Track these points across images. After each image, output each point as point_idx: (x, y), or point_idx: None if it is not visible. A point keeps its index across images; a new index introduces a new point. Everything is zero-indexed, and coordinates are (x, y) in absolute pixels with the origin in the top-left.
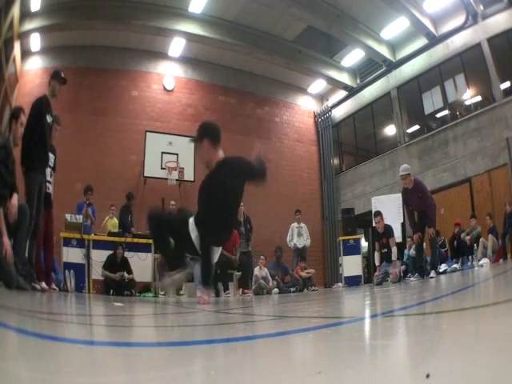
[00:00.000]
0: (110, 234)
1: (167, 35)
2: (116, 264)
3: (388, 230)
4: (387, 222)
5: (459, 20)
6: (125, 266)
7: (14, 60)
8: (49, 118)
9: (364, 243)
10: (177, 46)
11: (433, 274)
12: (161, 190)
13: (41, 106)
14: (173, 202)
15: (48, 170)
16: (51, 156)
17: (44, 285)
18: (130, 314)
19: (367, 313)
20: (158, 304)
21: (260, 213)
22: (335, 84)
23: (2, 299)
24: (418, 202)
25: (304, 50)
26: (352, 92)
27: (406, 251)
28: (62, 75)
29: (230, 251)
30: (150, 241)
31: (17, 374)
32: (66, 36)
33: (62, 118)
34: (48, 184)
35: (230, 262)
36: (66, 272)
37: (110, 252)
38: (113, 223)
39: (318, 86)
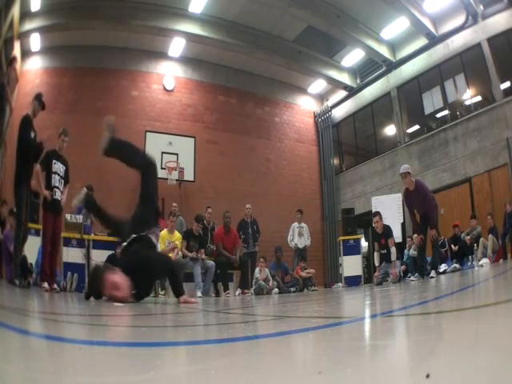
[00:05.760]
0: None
1: (167, 35)
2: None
3: (387, 231)
4: (387, 222)
5: (459, 20)
6: None
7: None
8: (32, 134)
9: (364, 243)
10: (177, 46)
11: (433, 274)
12: (161, 190)
13: (24, 124)
14: (175, 205)
15: (57, 178)
16: (61, 166)
17: (46, 285)
18: (130, 314)
19: (367, 313)
20: (158, 304)
21: (260, 213)
22: (335, 84)
23: (2, 299)
24: (419, 204)
25: (304, 50)
26: (352, 92)
27: (405, 251)
28: (43, 100)
29: (230, 251)
30: None
31: (17, 374)
32: (65, 36)
33: (62, 118)
34: (56, 189)
35: (229, 262)
36: (69, 274)
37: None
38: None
39: (317, 85)
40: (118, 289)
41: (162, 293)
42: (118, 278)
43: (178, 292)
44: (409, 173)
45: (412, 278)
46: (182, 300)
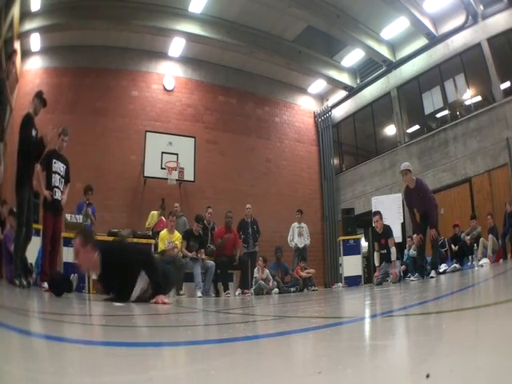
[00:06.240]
0: (110, 233)
1: (167, 35)
2: None
3: (387, 231)
4: (387, 222)
5: (459, 20)
6: None
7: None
8: (34, 132)
9: (364, 243)
10: (177, 46)
11: (433, 273)
12: (161, 190)
13: (25, 123)
14: (176, 205)
15: (57, 177)
16: (61, 165)
17: (46, 285)
18: (130, 314)
19: (367, 313)
20: (158, 304)
21: (260, 213)
22: (335, 84)
23: (2, 299)
24: (419, 203)
25: (304, 50)
26: (352, 92)
27: (405, 251)
28: (44, 97)
29: (230, 251)
30: (151, 241)
31: (17, 374)
32: (66, 36)
33: (62, 118)
34: (57, 189)
35: (229, 262)
36: (71, 275)
37: None
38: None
39: (317, 85)
40: (76, 255)
41: (182, 293)
42: (81, 247)
43: (156, 289)
44: (409, 170)
45: (412, 278)
46: (155, 300)
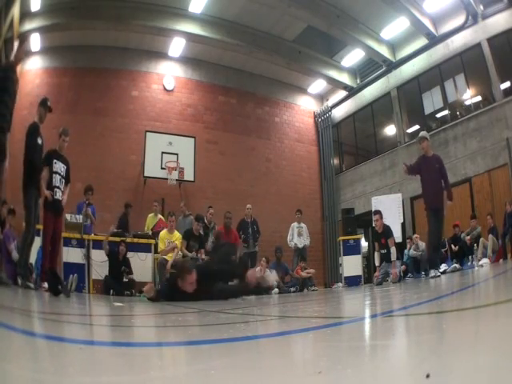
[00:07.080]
0: (113, 233)
1: (167, 35)
2: (118, 261)
3: (387, 231)
4: (387, 222)
5: (459, 20)
6: (126, 264)
7: None
8: (39, 140)
9: (364, 243)
10: (177, 46)
11: (436, 273)
12: (161, 190)
13: (31, 132)
14: (182, 205)
15: (57, 178)
16: (62, 166)
17: (46, 285)
18: (130, 314)
19: (367, 313)
20: (158, 304)
21: (260, 213)
22: (335, 84)
23: (2, 299)
24: (433, 170)
25: (304, 50)
26: (352, 92)
27: (405, 251)
28: (49, 104)
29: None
30: (151, 241)
31: (17, 374)
32: (66, 36)
33: (62, 118)
34: (57, 189)
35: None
36: (70, 276)
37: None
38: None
39: (317, 85)
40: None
41: None
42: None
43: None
44: (427, 139)
45: (438, 272)
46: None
